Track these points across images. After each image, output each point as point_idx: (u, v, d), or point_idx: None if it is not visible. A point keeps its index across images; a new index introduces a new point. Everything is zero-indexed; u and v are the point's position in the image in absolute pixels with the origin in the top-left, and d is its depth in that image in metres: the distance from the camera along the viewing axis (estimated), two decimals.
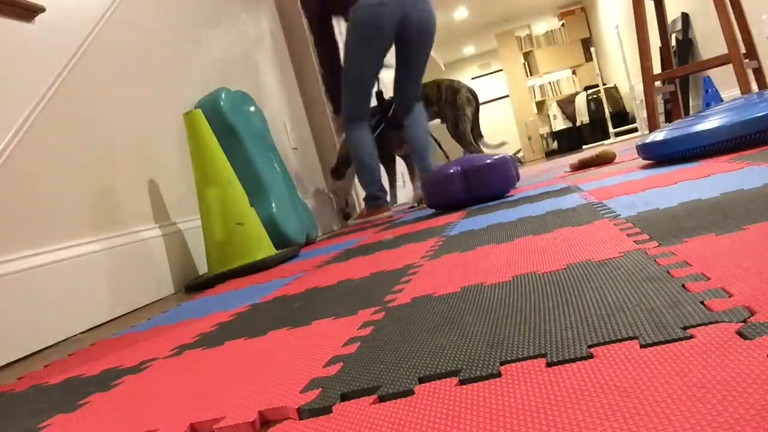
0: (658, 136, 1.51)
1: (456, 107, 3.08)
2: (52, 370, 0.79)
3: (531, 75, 8.54)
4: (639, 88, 5.40)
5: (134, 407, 0.48)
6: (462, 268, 0.74)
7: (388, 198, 2.53)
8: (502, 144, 3.34)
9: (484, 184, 1.84)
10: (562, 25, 8.26)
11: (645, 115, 3.51)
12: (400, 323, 0.53)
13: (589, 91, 7.35)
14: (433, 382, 0.36)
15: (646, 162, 1.68)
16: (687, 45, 4.08)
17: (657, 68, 3.38)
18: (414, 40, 2.39)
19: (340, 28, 2.60)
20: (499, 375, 0.35)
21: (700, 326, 0.34)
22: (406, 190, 4.09)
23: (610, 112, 6.56)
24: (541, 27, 8.79)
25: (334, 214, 2.99)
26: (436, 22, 2.57)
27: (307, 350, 0.52)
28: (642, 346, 0.33)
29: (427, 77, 2.81)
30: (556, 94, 8.42)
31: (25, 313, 1.04)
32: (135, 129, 1.54)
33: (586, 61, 8.11)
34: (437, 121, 3.27)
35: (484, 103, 9.52)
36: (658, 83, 2.83)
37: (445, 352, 0.41)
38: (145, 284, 1.39)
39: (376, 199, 2.46)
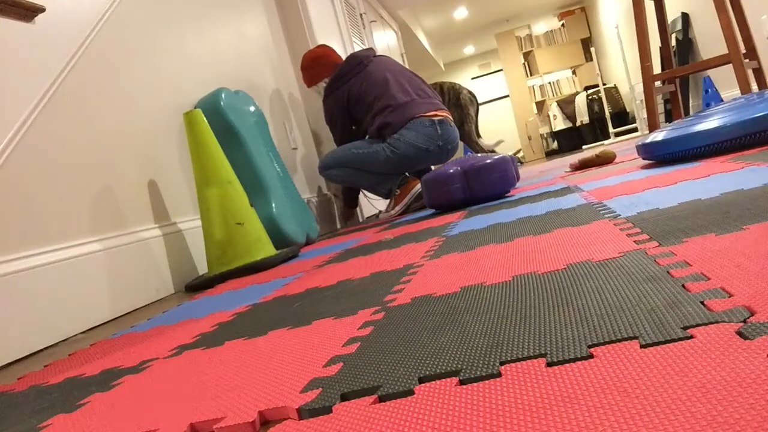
0: (658, 136, 1.51)
1: (461, 107, 3.10)
2: (52, 370, 0.78)
3: (531, 75, 8.54)
4: (639, 88, 5.40)
5: (134, 407, 0.48)
6: (462, 268, 0.74)
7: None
8: (499, 142, 3.35)
9: (484, 184, 1.84)
10: (562, 25, 8.26)
11: (645, 115, 3.51)
12: (400, 323, 0.53)
13: (589, 91, 7.35)
14: (433, 382, 0.36)
15: (646, 162, 1.68)
16: (687, 45, 4.08)
17: (657, 68, 3.38)
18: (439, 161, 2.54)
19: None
20: (499, 375, 0.35)
21: (700, 326, 0.34)
22: None
23: (610, 112, 6.56)
24: (541, 27, 8.79)
25: (334, 214, 2.99)
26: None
27: (307, 350, 0.52)
28: (642, 346, 0.33)
29: (427, 78, 2.82)
30: (556, 94, 8.42)
31: (25, 313, 1.04)
32: (135, 129, 1.54)
33: (586, 61, 8.11)
34: None
35: (484, 103, 9.53)
36: (658, 83, 2.83)
37: (445, 352, 0.41)
38: (145, 284, 1.39)
39: (401, 182, 2.46)
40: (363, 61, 2.46)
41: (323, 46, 2.65)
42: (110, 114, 1.45)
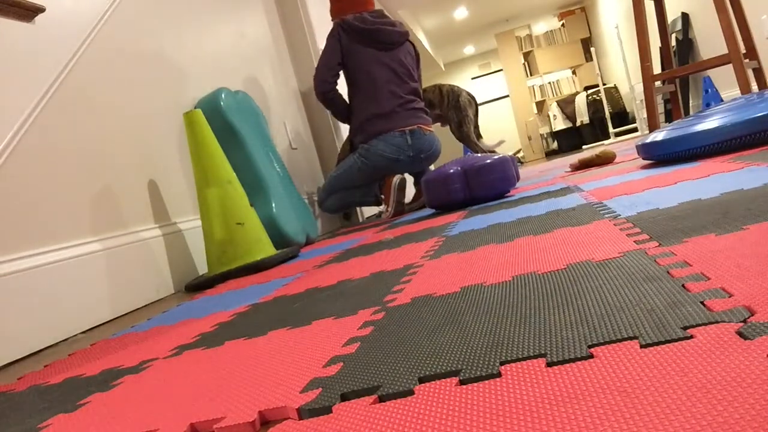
0: (658, 136, 1.51)
1: (459, 109, 3.10)
2: (52, 370, 0.78)
3: (531, 75, 8.54)
4: (639, 88, 5.40)
5: (134, 407, 0.48)
6: (462, 268, 0.74)
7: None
8: (500, 143, 3.35)
9: (484, 184, 1.84)
10: (562, 25, 8.25)
11: (645, 115, 3.51)
12: (400, 323, 0.53)
13: (589, 91, 7.35)
14: (433, 382, 0.36)
15: (646, 162, 1.68)
16: (687, 45, 4.09)
17: (657, 68, 3.38)
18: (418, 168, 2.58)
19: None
20: (499, 375, 0.35)
21: (700, 326, 0.34)
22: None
23: (610, 112, 6.56)
24: (541, 27, 8.79)
25: (334, 214, 2.99)
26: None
27: (307, 350, 0.52)
28: (642, 346, 0.33)
29: (427, 79, 2.82)
30: (556, 94, 8.42)
31: (25, 313, 1.04)
32: (135, 129, 1.54)
33: (586, 61, 8.11)
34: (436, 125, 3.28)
35: (484, 103, 9.53)
36: (658, 83, 2.83)
37: (445, 352, 0.41)
38: (145, 284, 1.39)
39: (381, 184, 2.48)
40: (386, 44, 2.46)
41: None
42: (110, 114, 1.45)
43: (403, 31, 2.55)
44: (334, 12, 2.58)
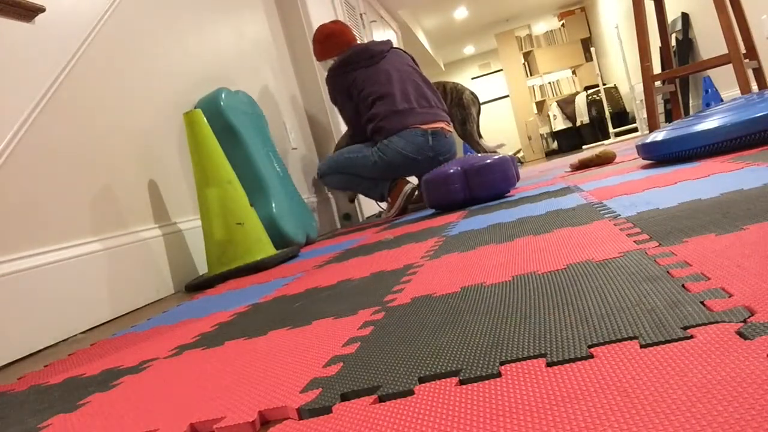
0: (658, 136, 1.51)
1: (463, 107, 3.10)
2: (52, 370, 0.79)
3: (531, 75, 8.54)
4: (639, 88, 5.40)
5: (134, 407, 0.48)
6: (462, 268, 0.74)
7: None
8: (500, 146, 3.35)
9: (484, 184, 1.84)
10: (562, 25, 8.26)
11: (645, 115, 3.51)
12: (400, 323, 0.53)
13: (589, 91, 7.35)
14: (433, 382, 0.36)
15: (646, 162, 1.68)
16: (687, 45, 4.09)
17: (657, 68, 3.38)
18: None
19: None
20: (499, 375, 0.35)
21: (700, 326, 0.34)
22: None
23: (610, 112, 6.56)
24: (541, 27, 8.79)
25: (334, 214, 2.99)
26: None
27: (307, 350, 0.52)
28: (642, 346, 0.33)
29: (429, 78, 2.81)
30: (556, 94, 8.42)
31: (25, 313, 1.04)
32: (135, 129, 1.54)
33: (586, 61, 8.11)
34: None
35: (485, 103, 9.54)
36: (658, 83, 2.83)
37: (445, 352, 0.41)
38: (145, 284, 1.39)
39: (391, 185, 2.45)
40: (374, 56, 2.44)
41: (339, 22, 2.60)
42: (110, 114, 1.45)
43: (385, 41, 2.56)
44: (321, 53, 2.57)
